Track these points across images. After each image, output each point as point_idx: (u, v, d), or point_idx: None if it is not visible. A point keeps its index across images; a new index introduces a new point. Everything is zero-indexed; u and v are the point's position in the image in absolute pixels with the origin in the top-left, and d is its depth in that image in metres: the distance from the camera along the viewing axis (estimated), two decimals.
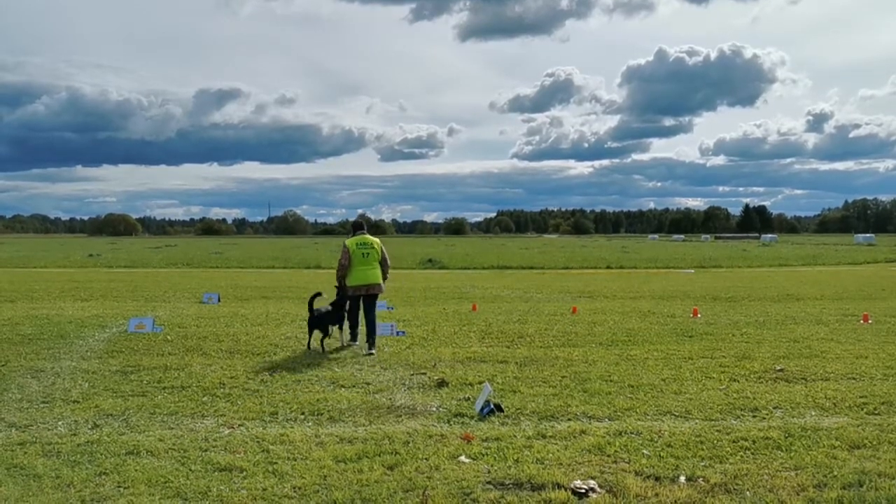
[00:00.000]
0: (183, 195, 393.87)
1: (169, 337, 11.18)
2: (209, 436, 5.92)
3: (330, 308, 10.57)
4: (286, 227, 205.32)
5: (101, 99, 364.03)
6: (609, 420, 6.48)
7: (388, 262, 10.93)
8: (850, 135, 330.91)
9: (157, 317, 13.21)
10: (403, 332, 11.70)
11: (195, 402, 7.11)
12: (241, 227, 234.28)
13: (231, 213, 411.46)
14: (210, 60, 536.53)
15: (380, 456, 5.38)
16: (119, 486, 4.76)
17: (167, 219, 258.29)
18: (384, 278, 10.85)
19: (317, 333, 10.36)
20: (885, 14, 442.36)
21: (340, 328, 10.72)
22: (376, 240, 10.85)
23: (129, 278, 27.25)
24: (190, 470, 5.08)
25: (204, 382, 7.94)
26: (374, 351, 9.98)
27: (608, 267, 38.25)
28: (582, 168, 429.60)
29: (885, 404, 7.02)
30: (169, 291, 20.73)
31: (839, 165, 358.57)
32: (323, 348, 10.15)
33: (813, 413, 6.75)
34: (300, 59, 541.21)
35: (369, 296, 10.67)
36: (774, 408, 6.92)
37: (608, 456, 5.41)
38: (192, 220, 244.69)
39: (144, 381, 8.02)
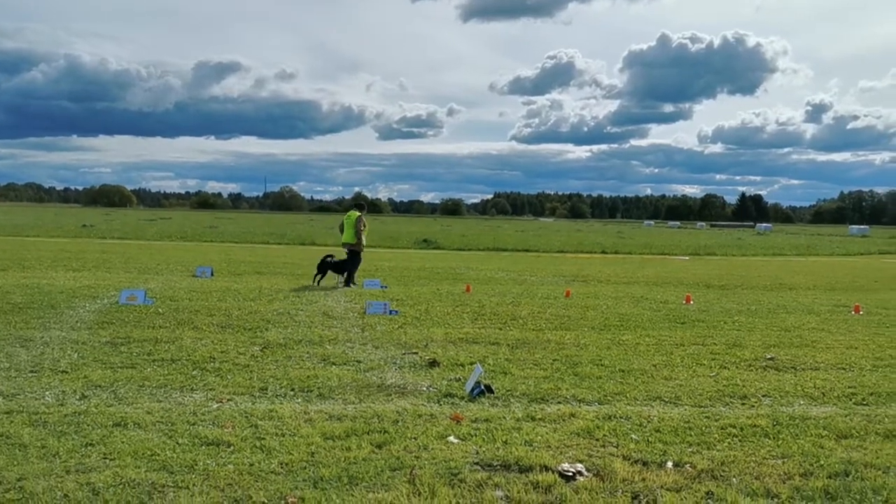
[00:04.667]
0: (179, 168, 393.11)
1: (160, 310, 11.14)
2: (198, 409, 5.90)
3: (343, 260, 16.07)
4: (282, 202, 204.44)
5: (99, 68, 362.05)
6: (599, 404, 6.48)
7: (358, 233, 16.08)
8: (849, 126, 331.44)
9: (148, 289, 13.16)
10: (396, 312, 11.69)
11: (185, 375, 7.09)
12: (236, 201, 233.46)
13: (227, 188, 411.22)
14: (211, 33, 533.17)
15: (368, 434, 5.38)
16: (105, 458, 4.75)
17: (162, 191, 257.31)
18: (356, 240, 16.11)
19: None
20: (887, 6, 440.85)
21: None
22: (354, 213, 16.32)
23: (122, 250, 27.18)
24: (177, 443, 5.06)
25: (194, 356, 7.92)
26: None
27: (603, 252, 38.31)
28: (580, 152, 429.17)
29: (873, 395, 7.04)
30: (162, 264, 20.68)
31: (836, 156, 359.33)
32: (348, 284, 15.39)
33: (801, 402, 6.76)
34: (302, 34, 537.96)
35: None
36: (763, 396, 6.93)
37: (597, 440, 5.41)
38: (187, 193, 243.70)
39: (134, 354, 8.00)
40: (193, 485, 4.35)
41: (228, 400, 6.25)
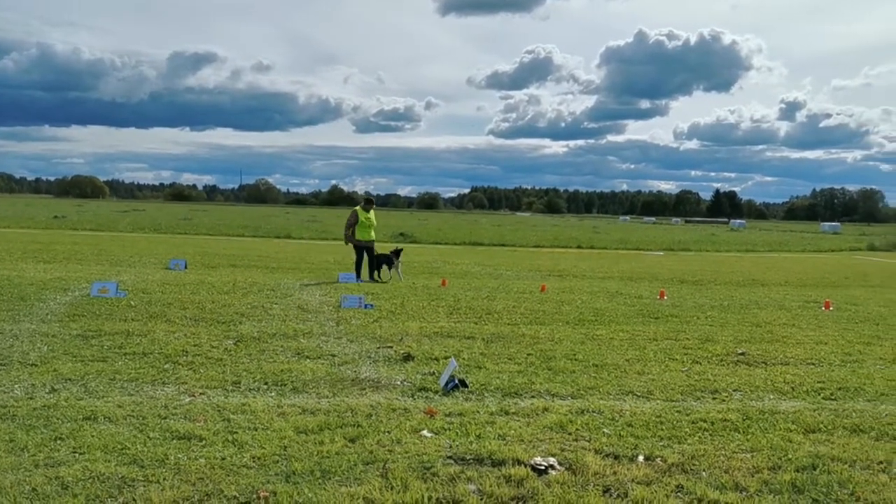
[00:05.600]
0: (153, 159, 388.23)
1: (132, 302, 11.02)
2: (169, 403, 5.86)
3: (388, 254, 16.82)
4: (258, 195, 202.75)
5: (72, 57, 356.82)
6: (572, 398, 6.52)
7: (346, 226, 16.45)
8: (821, 124, 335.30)
9: (121, 281, 13.02)
10: (372, 305, 11.67)
11: (156, 368, 7.02)
12: (211, 193, 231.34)
13: (202, 180, 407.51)
14: (187, 23, 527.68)
15: (342, 428, 5.37)
16: (74, 452, 4.69)
17: (136, 182, 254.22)
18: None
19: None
20: (860, 6, 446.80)
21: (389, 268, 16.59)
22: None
23: (95, 241, 26.86)
24: (148, 437, 5.02)
25: (166, 349, 7.85)
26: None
27: (579, 247, 38.50)
28: (557, 147, 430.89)
29: (841, 390, 7.15)
30: (135, 256, 20.47)
31: (809, 154, 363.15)
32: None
33: (771, 396, 6.85)
34: (279, 26, 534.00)
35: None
36: (734, 390, 7.01)
37: (569, 434, 5.45)
38: (161, 184, 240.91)
39: (105, 347, 7.91)
40: (164, 479, 4.31)
41: (201, 394, 6.21)
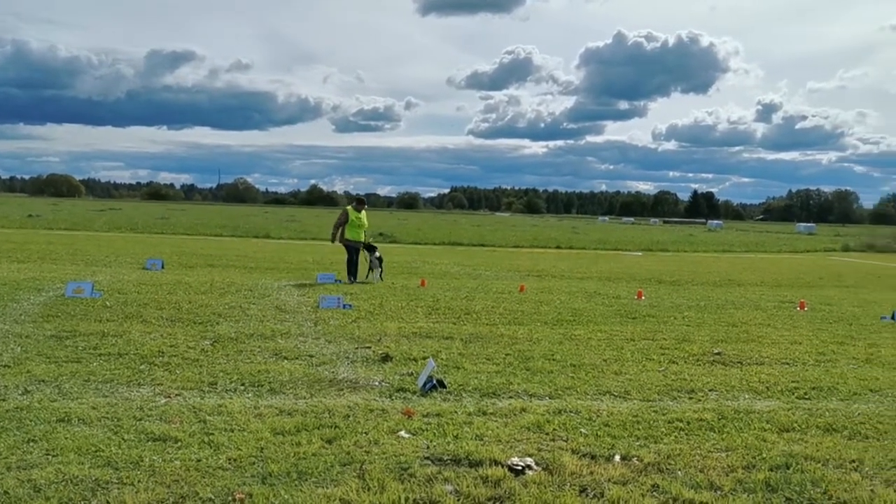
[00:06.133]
0: (130, 158, 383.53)
1: (108, 303, 10.92)
2: (144, 405, 5.80)
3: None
4: (236, 194, 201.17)
5: (48, 55, 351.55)
6: (550, 398, 6.55)
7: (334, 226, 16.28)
8: (797, 126, 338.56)
9: (96, 282, 12.89)
10: (350, 306, 11.64)
11: (132, 369, 6.96)
12: (189, 192, 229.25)
13: (179, 179, 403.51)
14: (165, 21, 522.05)
15: (319, 429, 5.35)
16: (48, 454, 4.64)
17: (112, 181, 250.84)
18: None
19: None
20: (835, 9, 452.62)
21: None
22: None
23: (70, 241, 26.56)
24: (122, 439, 4.97)
25: (142, 350, 7.78)
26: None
27: (558, 247, 38.65)
28: (537, 148, 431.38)
29: (815, 389, 7.24)
30: (111, 256, 20.26)
31: (785, 156, 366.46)
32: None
33: (746, 396, 6.92)
34: (258, 24, 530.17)
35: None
36: (710, 390, 7.07)
37: (546, 434, 5.47)
38: (138, 183, 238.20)
39: (80, 347, 7.83)
40: (138, 481, 4.28)
41: (177, 395, 6.16)
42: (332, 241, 16.40)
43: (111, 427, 5.22)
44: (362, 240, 16.18)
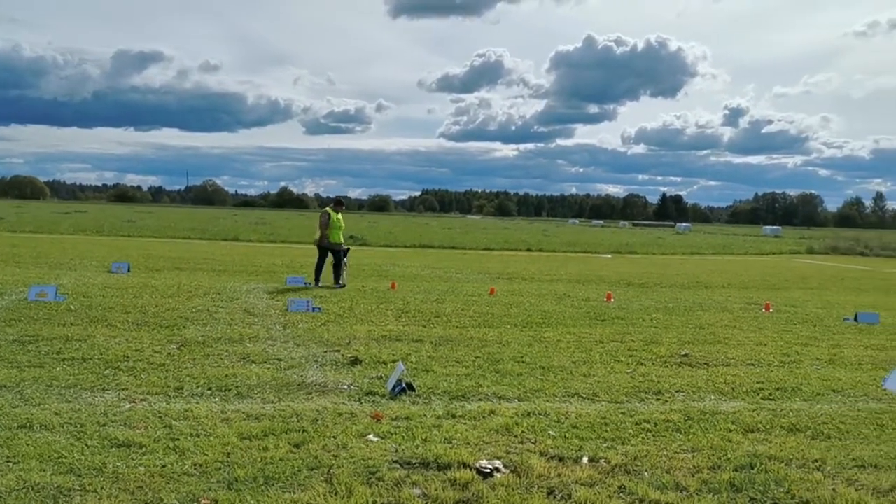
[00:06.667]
0: (96, 159, 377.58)
1: (72, 306, 10.74)
2: (108, 410, 5.72)
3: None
4: (205, 197, 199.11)
5: (12, 54, 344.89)
6: (519, 401, 6.57)
7: (320, 227, 15.79)
8: (763, 130, 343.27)
9: (60, 285, 12.68)
10: (319, 309, 11.58)
11: (96, 374, 6.85)
12: (157, 195, 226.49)
13: (147, 181, 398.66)
14: (132, 21, 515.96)
15: (287, 433, 5.31)
16: (8, 461, 4.55)
17: (78, 183, 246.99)
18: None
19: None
20: (800, 15, 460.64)
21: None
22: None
23: (33, 244, 26.07)
24: (86, 445, 4.89)
25: (107, 355, 7.67)
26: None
27: (528, 249, 38.77)
28: (507, 150, 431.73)
29: (779, 390, 7.35)
30: (75, 259, 19.94)
31: (752, 159, 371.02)
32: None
33: (712, 397, 7.00)
34: (227, 25, 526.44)
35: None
36: (677, 391, 7.15)
37: (515, 436, 5.48)
38: (104, 185, 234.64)
39: (43, 352, 7.69)
40: (101, 488, 4.21)
41: (142, 400, 6.08)
42: (320, 242, 15.86)
43: (74, 433, 5.14)
44: (341, 241, 15.99)
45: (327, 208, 16.18)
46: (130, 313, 10.38)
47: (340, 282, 15.47)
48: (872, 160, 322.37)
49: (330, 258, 15.74)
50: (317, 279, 15.62)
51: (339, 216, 16.00)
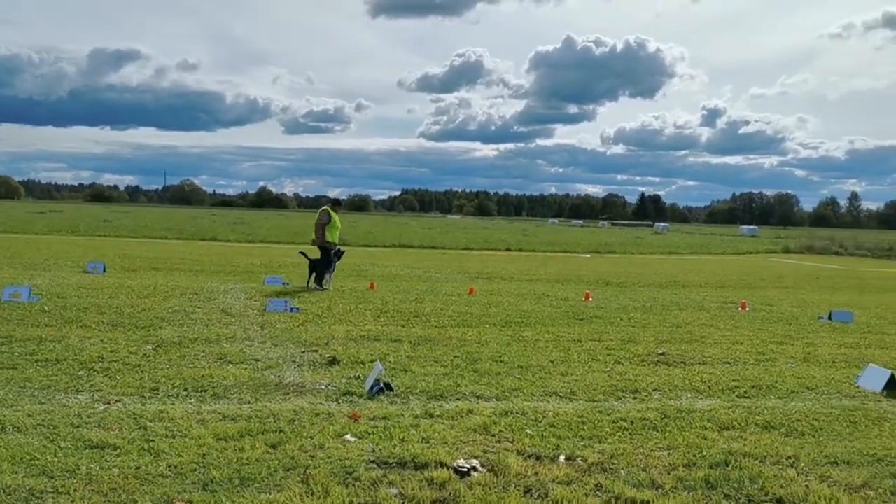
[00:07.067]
0: (72, 159, 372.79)
1: (46, 307, 10.61)
2: (83, 412, 5.66)
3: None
4: (182, 196, 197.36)
5: None
6: (497, 400, 6.58)
7: (316, 226, 15.24)
8: (740, 131, 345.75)
9: (34, 285, 12.52)
10: (298, 309, 11.53)
11: (70, 375, 6.78)
12: (134, 194, 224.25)
13: (124, 180, 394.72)
14: (109, 19, 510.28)
15: (263, 434, 5.28)
16: None
17: (54, 182, 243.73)
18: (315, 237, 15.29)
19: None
20: (777, 17, 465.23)
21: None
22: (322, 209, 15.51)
23: (7, 244, 25.73)
24: (59, 447, 4.84)
25: (81, 356, 7.58)
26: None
27: (508, 249, 38.84)
28: (487, 150, 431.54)
29: (754, 388, 7.42)
30: (50, 259, 19.70)
31: (729, 159, 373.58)
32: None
33: (689, 395, 7.05)
34: (206, 24, 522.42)
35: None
36: (654, 390, 7.19)
37: (493, 435, 5.49)
38: (80, 185, 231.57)
39: (16, 353, 7.59)
40: (74, 490, 4.17)
41: (116, 401, 6.02)
42: (319, 243, 15.23)
43: (47, 435, 5.08)
44: (337, 242, 15.52)
45: (326, 207, 15.71)
46: (106, 314, 10.27)
47: (324, 285, 14.96)
48: (847, 161, 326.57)
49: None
50: (323, 279, 15.11)
51: (336, 217, 15.56)
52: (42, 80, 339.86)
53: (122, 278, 15.40)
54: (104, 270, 16.72)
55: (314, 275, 15.04)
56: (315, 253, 15.26)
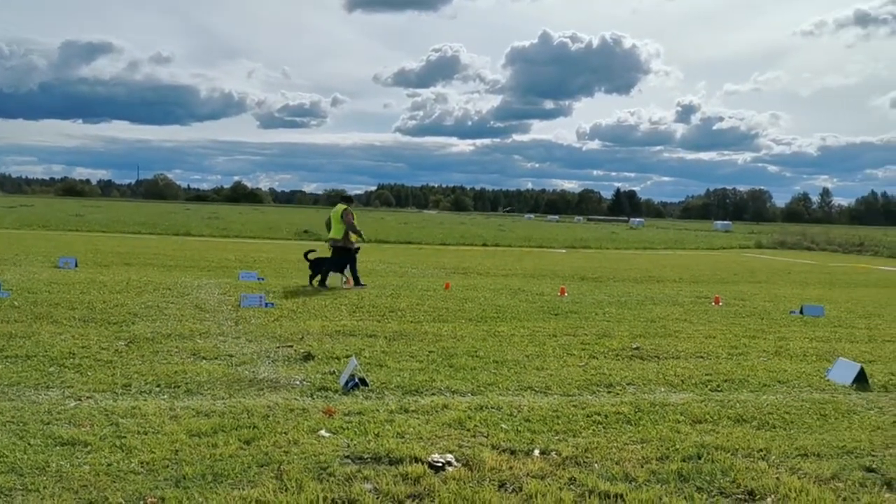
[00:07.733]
0: (43, 152, 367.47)
1: (16, 302, 10.45)
2: (53, 408, 5.59)
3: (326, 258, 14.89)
4: (156, 191, 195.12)
5: None
6: (472, 395, 6.59)
7: (349, 226, 14.70)
8: (714, 127, 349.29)
9: (4, 281, 12.33)
10: (272, 304, 11.46)
11: (40, 372, 6.68)
12: (106, 189, 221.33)
13: (96, 174, 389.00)
14: (80, 10, 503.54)
15: (237, 430, 5.25)
16: None
17: (24, 176, 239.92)
18: (343, 236, 14.74)
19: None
20: (750, 13, 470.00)
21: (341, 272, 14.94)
22: (341, 206, 14.95)
23: None
24: (28, 444, 4.77)
25: (52, 352, 7.48)
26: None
27: (484, 244, 38.87)
28: (464, 146, 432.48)
29: (727, 381, 7.50)
30: (20, 254, 19.41)
31: (703, 155, 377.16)
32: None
33: (662, 389, 7.11)
34: (179, 16, 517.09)
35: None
36: (628, 384, 7.24)
37: (468, 430, 5.50)
38: (52, 179, 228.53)
39: None
40: (44, 487, 4.12)
41: (88, 398, 5.95)
42: (345, 243, 14.71)
43: (16, 431, 5.01)
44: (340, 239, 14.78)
45: (346, 206, 14.95)
46: (77, 309, 10.14)
47: (327, 283, 14.63)
48: (819, 157, 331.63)
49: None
50: (356, 279, 14.91)
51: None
52: (12, 72, 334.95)
53: (94, 273, 15.22)
54: (76, 265, 16.51)
55: (318, 276, 14.73)
56: (326, 252, 15.03)
